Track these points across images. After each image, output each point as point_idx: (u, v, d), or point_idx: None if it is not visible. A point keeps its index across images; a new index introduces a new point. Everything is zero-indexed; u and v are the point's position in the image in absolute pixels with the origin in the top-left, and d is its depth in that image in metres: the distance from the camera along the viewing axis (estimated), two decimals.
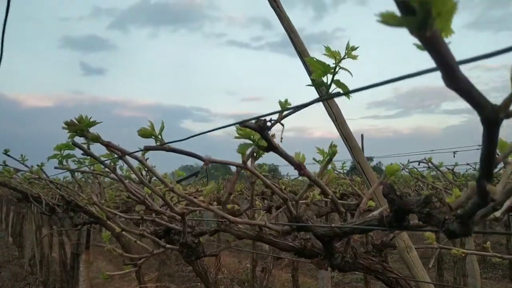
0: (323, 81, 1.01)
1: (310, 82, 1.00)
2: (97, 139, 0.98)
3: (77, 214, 3.96)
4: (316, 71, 1.02)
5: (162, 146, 0.81)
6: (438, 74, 0.38)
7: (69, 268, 5.74)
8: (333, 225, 0.86)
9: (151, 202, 1.26)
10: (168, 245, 1.29)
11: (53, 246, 7.76)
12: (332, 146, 1.08)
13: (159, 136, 0.82)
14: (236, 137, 0.77)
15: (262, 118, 0.70)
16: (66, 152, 1.74)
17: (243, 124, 0.70)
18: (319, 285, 6.51)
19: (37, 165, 2.97)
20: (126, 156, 1.08)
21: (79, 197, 2.48)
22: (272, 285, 8.90)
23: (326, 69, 1.00)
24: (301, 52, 1.51)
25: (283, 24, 1.57)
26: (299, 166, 0.82)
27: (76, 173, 2.81)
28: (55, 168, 1.66)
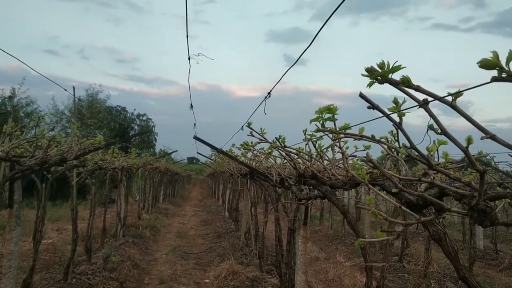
0: None
1: None
2: (408, 82, 0.93)
3: (300, 187, 4.12)
4: None
5: None
6: None
7: (285, 243, 6.07)
8: None
9: (434, 161, 1.18)
10: (455, 209, 1.18)
11: (268, 222, 8.32)
12: None
13: (507, 67, 0.72)
14: None
15: None
16: (327, 115, 1.78)
17: None
18: None
19: (275, 138, 3.17)
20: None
21: (319, 166, 2.54)
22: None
23: None
24: None
25: None
26: None
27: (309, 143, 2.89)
28: (318, 131, 1.69)
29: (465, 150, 1.00)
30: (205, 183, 39.19)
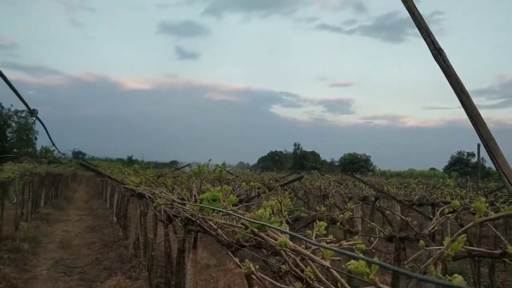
0: None
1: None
2: (285, 244, 0.95)
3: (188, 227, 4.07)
4: None
5: None
6: None
7: (174, 262, 5.96)
8: None
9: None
10: None
11: (158, 228, 8.10)
12: None
13: (372, 274, 0.75)
14: None
15: None
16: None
17: None
18: None
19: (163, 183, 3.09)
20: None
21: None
22: None
23: None
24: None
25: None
26: None
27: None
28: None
29: None
30: (91, 181, 37.15)
